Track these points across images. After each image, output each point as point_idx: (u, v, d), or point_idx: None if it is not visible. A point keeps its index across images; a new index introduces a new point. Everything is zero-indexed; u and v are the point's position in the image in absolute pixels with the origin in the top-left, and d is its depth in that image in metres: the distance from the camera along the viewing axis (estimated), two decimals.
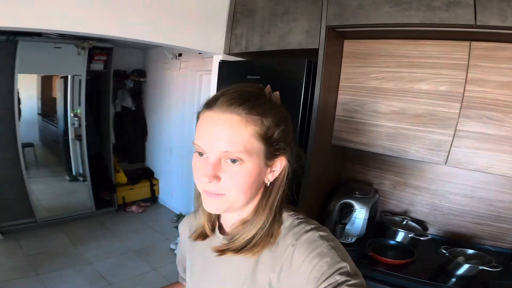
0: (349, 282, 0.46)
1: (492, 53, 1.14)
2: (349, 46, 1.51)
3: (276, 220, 0.57)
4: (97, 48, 3.20)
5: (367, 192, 1.70)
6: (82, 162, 3.36)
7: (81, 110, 3.22)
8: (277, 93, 0.59)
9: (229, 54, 1.85)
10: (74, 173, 3.47)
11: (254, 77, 1.57)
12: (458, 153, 1.26)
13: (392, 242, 1.54)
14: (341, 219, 1.61)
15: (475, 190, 1.54)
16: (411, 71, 1.32)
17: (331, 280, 0.46)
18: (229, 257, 0.58)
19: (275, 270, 0.54)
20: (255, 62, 1.77)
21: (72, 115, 3.25)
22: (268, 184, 0.58)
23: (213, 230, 0.65)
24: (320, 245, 0.51)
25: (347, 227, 1.61)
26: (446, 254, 1.35)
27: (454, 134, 1.26)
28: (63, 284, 2.17)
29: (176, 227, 3.20)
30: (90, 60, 3.16)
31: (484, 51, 1.15)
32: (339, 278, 0.46)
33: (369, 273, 1.31)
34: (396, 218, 1.70)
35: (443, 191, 1.64)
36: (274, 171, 0.57)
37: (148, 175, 3.97)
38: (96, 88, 3.47)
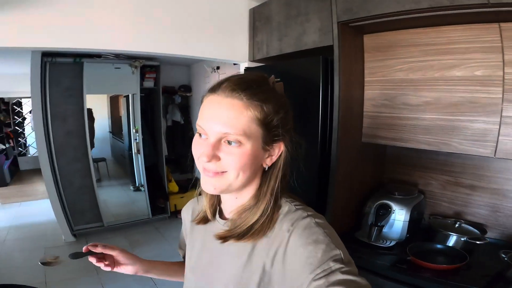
0: (343, 269, 0.46)
1: None
2: (369, 40, 1.43)
3: (276, 206, 0.58)
4: (147, 67, 3.54)
5: (408, 193, 1.55)
6: (142, 173, 3.73)
7: (138, 126, 3.58)
8: (281, 83, 0.60)
9: (253, 61, 1.91)
10: (137, 184, 3.88)
11: (275, 80, 1.59)
12: (508, 143, 1.07)
13: (439, 246, 1.36)
14: (377, 221, 1.48)
15: None
16: (439, 58, 1.19)
17: (325, 267, 0.47)
18: (228, 242, 0.59)
19: (269, 255, 0.54)
20: (276, 65, 1.79)
21: (134, 131, 3.64)
22: (266, 169, 0.59)
23: (214, 215, 0.66)
24: (316, 232, 0.51)
25: (385, 229, 1.48)
26: (506, 259, 1.16)
27: (500, 121, 1.08)
28: (116, 283, 2.42)
29: None
30: (142, 78, 3.51)
31: None
32: (333, 265, 0.47)
33: (408, 279, 1.18)
34: (448, 221, 1.50)
35: (504, 190, 1.40)
36: (272, 155, 0.58)
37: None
38: (149, 104, 3.84)
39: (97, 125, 3.67)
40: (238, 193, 0.60)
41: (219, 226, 0.63)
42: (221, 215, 0.65)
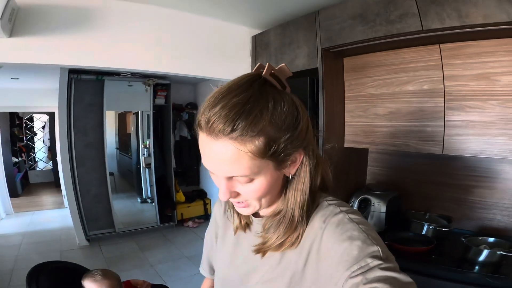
0: (382, 266, 0.43)
1: (459, 52, 1.30)
2: (347, 62, 1.78)
3: (313, 207, 0.55)
4: (159, 85, 3.85)
5: (385, 189, 1.83)
6: (151, 186, 3.97)
7: (149, 142, 3.85)
8: (283, 66, 0.52)
9: None
10: (144, 196, 4.13)
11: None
12: (452, 141, 1.38)
13: (412, 234, 1.61)
14: None
15: (495, 181, 1.55)
16: (398, 76, 1.53)
17: (362, 263, 0.44)
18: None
19: (302, 253, 0.53)
20: None
21: (142, 146, 3.93)
22: (290, 177, 0.54)
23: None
24: (350, 228, 0.49)
25: (367, 220, 1.75)
26: (465, 242, 1.37)
27: (444, 124, 1.39)
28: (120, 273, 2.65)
29: None
30: (154, 96, 3.83)
31: (452, 51, 1.32)
32: (370, 261, 0.44)
33: None
34: (421, 213, 1.74)
35: (466, 185, 1.65)
36: (294, 162, 0.52)
37: (202, 196, 4.48)
38: (159, 121, 4.15)
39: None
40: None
41: (254, 224, 0.62)
42: (255, 214, 0.62)
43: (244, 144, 0.45)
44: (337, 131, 1.82)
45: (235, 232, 0.65)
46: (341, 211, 0.53)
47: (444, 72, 1.35)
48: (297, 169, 0.53)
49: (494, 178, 1.55)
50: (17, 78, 3.78)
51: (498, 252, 1.25)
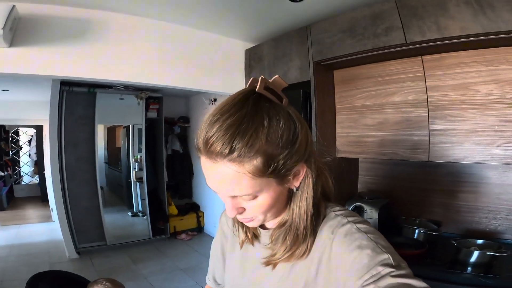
0: (394, 273, 0.43)
1: (440, 63, 1.41)
2: (337, 74, 1.88)
3: (315, 215, 0.55)
4: (151, 98, 3.84)
5: (376, 196, 1.90)
6: (142, 200, 3.91)
7: (141, 155, 3.80)
8: (277, 77, 0.51)
9: None
10: (135, 210, 4.08)
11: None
12: (437, 149, 1.47)
13: (404, 238, 1.66)
14: None
15: (479, 185, 1.62)
16: (384, 88, 1.63)
17: (373, 272, 0.44)
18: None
19: (313, 263, 0.53)
20: None
21: (133, 160, 3.89)
22: (295, 190, 0.54)
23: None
24: (359, 238, 0.49)
25: None
26: (455, 244, 1.40)
27: (429, 133, 1.48)
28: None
29: None
30: (146, 109, 3.81)
31: (433, 62, 1.43)
32: (382, 269, 0.44)
33: None
34: (411, 218, 1.79)
35: (453, 191, 1.72)
36: (297, 176, 0.53)
37: (195, 208, 4.46)
38: (151, 134, 4.12)
39: None
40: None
41: (262, 237, 0.62)
42: (262, 226, 0.62)
43: (242, 166, 0.45)
44: (329, 142, 1.88)
45: (241, 246, 0.65)
46: (348, 222, 0.53)
47: (426, 83, 1.45)
48: (300, 182, 0.53)
49: (477, 183, 1.63)
50: (7, 90, 3.73)
51: (488, 253, 1.30)
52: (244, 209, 0.53)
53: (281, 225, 0.56)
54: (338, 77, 1.88)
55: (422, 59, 1.46)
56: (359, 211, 1.84)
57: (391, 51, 1.45)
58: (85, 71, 1.77)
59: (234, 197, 0.51)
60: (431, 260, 1.43)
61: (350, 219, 0.53)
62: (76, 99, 3.39)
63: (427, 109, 1.47)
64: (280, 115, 0.48)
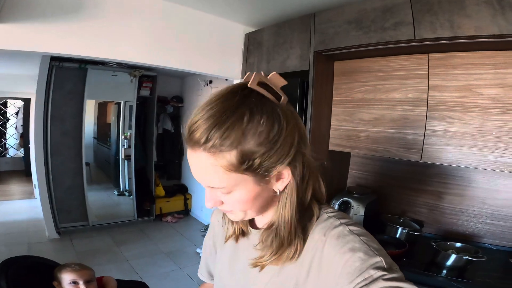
0: (386, 276, 0.43)
1: (446, 62, 1.37)
2: (338, 66, 1.82)
3: (306, 218, 0.54)
4: (145, 76, 3.76)
5: (364, 193, 1.89)
6: (129, 179, 3.84)
7: (131, 133, 3.74)
8: (274, 74, 0.50)
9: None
10: (121, 189, 4.02)
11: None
12: (430, 150, 1.45)
13: (386, 236, 1.67)
14: None
15: (466, 188, 1.63)
16: (385, 83, 1.58)
17: (365, 275, 0.44)
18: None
19: (304, 265, 0.52)
20: None
21: (123, 137, 3.81)
22: (278, 193, 0.53)
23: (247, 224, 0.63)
24: (351, 240, 0.48)
25: None
26: (434, 246, 1.43)
27: (424, 133, 1.46)
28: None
29: (204, 236, 3.50)
30: (139, 87, 3.73)
31: (439, 61, 1.39)
32: (374, 272, 0.44)
33: None
34: (395, 217, 1.81)
35: (439, 192, 1.73)
36: (282, 178, 0.51)
37: (182, 190, 4.42)
38: (143, 112, 4.04)
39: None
40: (262, 214, 0.58)
41: (251, 235, 0.61)
42: (253, 225, 0.62)
43: (216, 158, 0.45)
44: (323, 134, 1.85)
45: (226, 240, 0.65)
46: (341, 224, 0.52)
47: (429, 81, 1.42)
48: (286, 186, 0.52)
49: (465, 186, 1.64)
50: None
51: (465, 257, 1.31)
52: (222, 202, 0.52)
53: (270, 226, 0.56)
54: (338, 69, 1.83)
55: (428, 56, 1.41)
56: (346, 206, 1.83)
57: (397, 46, 1.40)
58: (76, 49, 1.70)
59: (211, 188, 0.50)
60: (409, 260, 1.45)
61: (342, 221, 0.53)
62: (66, 74, 3.25)
63: (426, 108, 1.44)
64: (264, 112, 0.46)
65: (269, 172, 0.48)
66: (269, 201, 0.54)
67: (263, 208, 0.55)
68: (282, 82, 0.51)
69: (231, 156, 0.45)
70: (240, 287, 0.62)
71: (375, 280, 0.43)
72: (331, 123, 1.88)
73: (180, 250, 3.19)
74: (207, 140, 0.45)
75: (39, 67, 3.00)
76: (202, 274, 0.80)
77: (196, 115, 0.46)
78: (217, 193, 0.51)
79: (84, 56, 1.76)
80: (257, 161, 0.46)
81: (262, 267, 0.56)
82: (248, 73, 0.51)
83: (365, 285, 0.43)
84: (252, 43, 2.18)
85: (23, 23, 1.52)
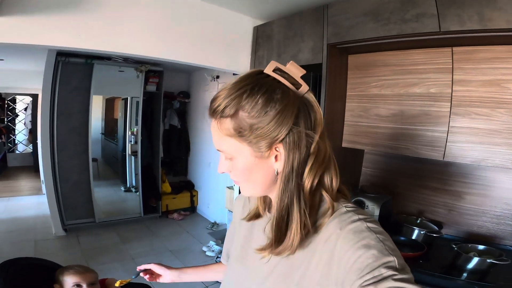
0: (396, 277, 0.42)
1: (471, 56, 1.27)
2: (352, 60, 1.73)
3: (314, 207, 0.54)
4: (151, 71, 3.72)
5: (379, 192, 1.81)
6: (136, 175, 3.81)
7: (137, 129, 3.70)
8: (291, 64, 0.55)
9: None
10: (128, 185, 4.00)
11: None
12: (454, 148, 1.36)
13: (402, 238, 1.59)
14: None
15: (488, 188, 1.54)
16: (404, 77, 1.49)
17: (375, 273, 0.43)
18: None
19: (314, 255, 0.52)
20: None
21: (129, 133, 3.78)
22: (277, 173, 0.55)
23: (265, 209, 0.65)
24: (367, 237, 0.48)
25: None
26: (455, 249, 1.37)
27: (448, 130, 1.37)
28: (107, 275, 2.51)
29: (210, 234, 3.48)
30: (145, 82, 3.69)
31: (465, 55, 1.29)
32: (384, 271, 0.43)
33: None
34: (412, 217, 1.74)
35: (459, 192, 1.65)
36: (278, 156, 0.53)
37: (189, 187, 4.37)
38: (149, 108, 4.00)
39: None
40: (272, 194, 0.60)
41: (266, 219, 0.63)
42: (270, 209, 0.64)
43: (220, 124, 0.53)
44: (336, 130, 1.77)
45: (245, 219, 0.68)
46: (359, 219, 0.51)
47: (454, 76, 1.32)
48: (284, 166, 0.53)
49: (488, 186, 1.55)
50: (2, 59, 3.58)
51: (488, 260, 1.24)
52: (230, 171, 0.58)
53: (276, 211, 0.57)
54: (352, 63, 1.74)
55: (452, 50, 1.32)
56: (360, 206, 1.74)
57: (419, 39, 1.31)
58: (81, 42, 1.65)
59: (221, 152, 0.57)
60: (427, 263, 1.38)
61: (361, 216, 0.52)
62: (72, 69, 3.21)
63: (450, 104, 1.35)
64: (267, 92, 0.51)
65: (261, 145, 0.52)
66: (273, 180, 0.56)
67: (268, 187, 0.57)
68: (301, 71, 0.55)
69: (228, 123, 0.52)
70: (250, 269, 0.63)
71: (384, 278, 0.42)
72: (345, 119, 1.80)
73: (187, 248, 3.15)
74: (216, 108, 0.53)
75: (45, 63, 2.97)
76: (223, 257, 0.85)
77: (218, 92, 0.55)
78: (225, 160, 0.57)
79: (89, 49, 1.71)
80: (247, 131, 0.51)
81: (268, 254, 0.57)
82: (271, 61, 0.55)
83: (374, 282, 0.42)
84: (261, 36, 2.10)
85: (26, 16, 1.47)
